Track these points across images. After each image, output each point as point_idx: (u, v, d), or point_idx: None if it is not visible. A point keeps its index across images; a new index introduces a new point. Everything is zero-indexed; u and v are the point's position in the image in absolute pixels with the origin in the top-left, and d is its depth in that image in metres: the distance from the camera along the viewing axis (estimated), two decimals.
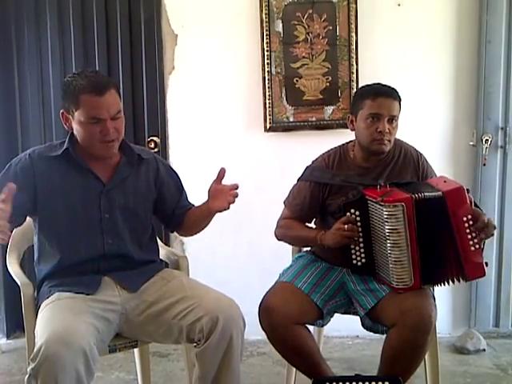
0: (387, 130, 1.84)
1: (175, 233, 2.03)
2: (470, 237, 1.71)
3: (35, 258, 1.81)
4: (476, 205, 1.80)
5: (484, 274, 1.75)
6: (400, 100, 1.90)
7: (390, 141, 1.88)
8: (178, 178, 1.96)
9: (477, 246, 1.72)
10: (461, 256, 1.71)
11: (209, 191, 1.76)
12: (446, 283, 1.77)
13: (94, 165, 1.76)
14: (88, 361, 1.47)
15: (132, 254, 1.80)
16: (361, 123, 1.89)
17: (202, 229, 1.90)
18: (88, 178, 1.74)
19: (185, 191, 1.96)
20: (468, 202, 1.72)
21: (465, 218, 1.70)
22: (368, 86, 1.94)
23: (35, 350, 1.46)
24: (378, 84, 1.92)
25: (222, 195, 1.71)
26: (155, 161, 1.89)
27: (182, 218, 1.90)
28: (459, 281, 1.76)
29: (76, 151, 1.74)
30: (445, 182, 1.79)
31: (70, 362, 1.43)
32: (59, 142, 1.80)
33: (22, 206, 1.65)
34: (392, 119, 1.86)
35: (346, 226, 1.79)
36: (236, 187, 1.71)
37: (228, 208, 1.73)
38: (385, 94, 1.87)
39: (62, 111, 1.72)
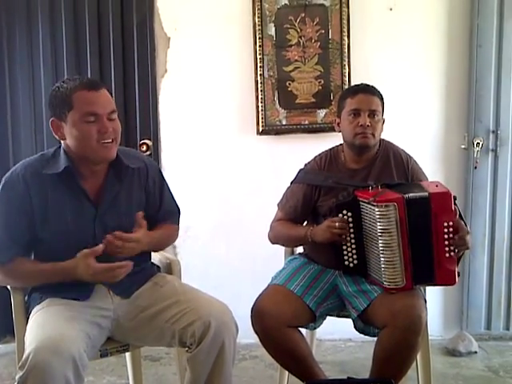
0: (368, 124, 1.89)
1: None
2: (446, 243, 1.73)
3: None
4: (461, 217, 1.81)
5: (454, 283, 1.77)
6: (381, 97, 1.96)
7: (373, 135, 1.91)
8: (163, 191, 1.85)
9: (452, 254, 1.73)
10: (434, 259, 1.73)
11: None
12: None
13: (85, 181, 1.68)
14: (77, 368, 1.44)
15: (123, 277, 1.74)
16: (344, 121, 1.96)
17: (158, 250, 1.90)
18: (81, 201, 1.67)
19: (164, 206, 1.84)
20: (452, 209, 1.73)
21: (445, 224, 1.72)
22: (349, 87, 1.97)
23: (23, 357, 1.43)
24: (358, 84, 2.01)
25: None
26: (145, 169, 1.79)
27: None
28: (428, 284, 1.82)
29: (73, 167, 1.65)
30: (436, 186, 1.81)
31: (59, 370, 1.40)
32: (51, 153, 1.70)
33: (24, 231, 1.64)
34: (373, 114, 1.91)
35: (336, 224, 1.81)
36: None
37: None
38: (363, 90, 1.94)
39: (51, 120, 1.63)
